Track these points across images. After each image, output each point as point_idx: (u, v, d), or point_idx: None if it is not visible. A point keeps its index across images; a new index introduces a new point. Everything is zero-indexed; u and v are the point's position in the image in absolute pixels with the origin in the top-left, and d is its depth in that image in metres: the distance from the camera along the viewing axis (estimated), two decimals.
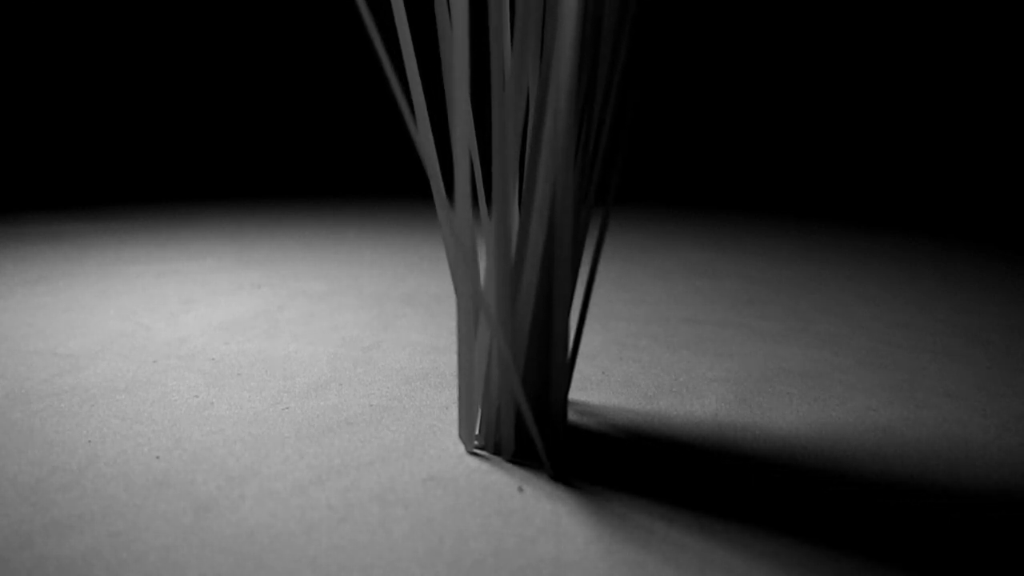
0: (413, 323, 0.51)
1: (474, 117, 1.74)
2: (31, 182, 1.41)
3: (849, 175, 1.62)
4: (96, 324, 0.49)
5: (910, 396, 0.39)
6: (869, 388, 0.40)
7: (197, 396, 0.37)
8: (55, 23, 1.46)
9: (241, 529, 0.25)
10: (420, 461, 0.30)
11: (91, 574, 0.22)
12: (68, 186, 1.41)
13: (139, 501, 0.26)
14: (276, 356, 0.43)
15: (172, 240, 0.85)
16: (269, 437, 0.32)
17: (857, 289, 0.66)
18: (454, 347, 0.46)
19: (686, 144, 1.74)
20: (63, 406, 0.35)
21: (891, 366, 0.44)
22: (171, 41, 1.61)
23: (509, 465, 0.30)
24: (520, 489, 0.28)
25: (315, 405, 0.36)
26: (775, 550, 0.24)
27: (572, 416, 0.35)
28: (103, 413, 0.34)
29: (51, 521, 0.25)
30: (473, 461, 0.30)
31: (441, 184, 0.28)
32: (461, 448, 0.31)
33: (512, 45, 0.27)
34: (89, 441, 0.31)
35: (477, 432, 0.32)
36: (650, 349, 0.46)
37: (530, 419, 0.29)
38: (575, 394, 0.38)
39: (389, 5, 1.74)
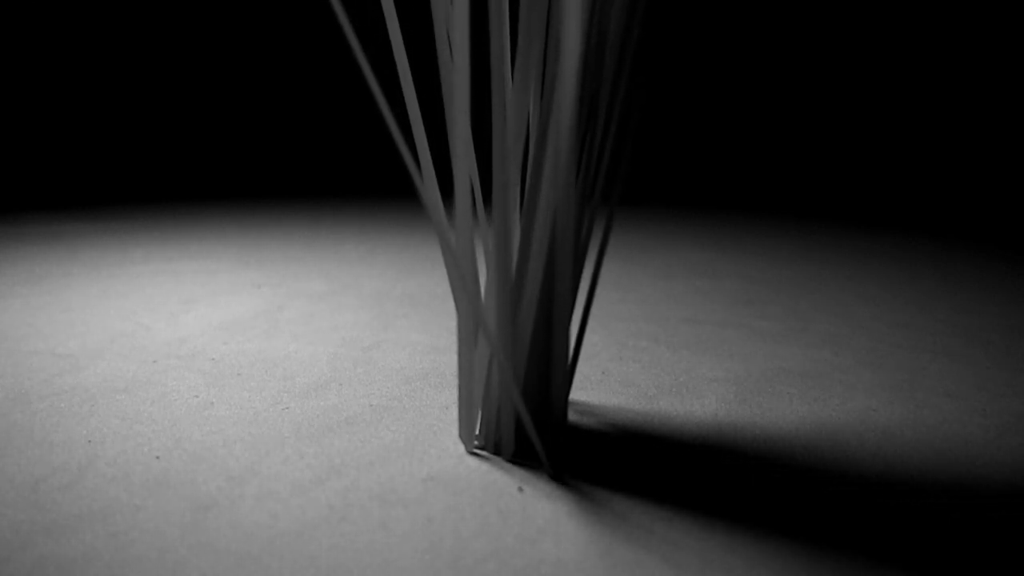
0: (413, 323, 0.51)
1: (476, 130, 1.74)
2: (31, 182, 1.41)
3: (849, 175, 1.62)
4: (96, 324, 0.49)
5: (910, 396, 0.39)
6: (869, 388, 0.40)
7: (197, 396, 0.37)
8: (55, 23, 1.46)
9: (241, 529, 0.25)
10: (420, 461, 0.30)
11: (91, 574, 0.22)
12: (68, 186, 1.41)
13: (139, 501, 0.26)
14: (276, 356, 0.43)
15: (172, 240, 0.85)
16: (269, 437, 0.32)
17: (857, 289, 0.66)
18: (454, 347, 0.46)
19: (686, 144, 1.74)
20: (63, 406, 0.35)
21: (891, 366, 0.44)
22: (171, 41, 1.61)
23: (509, 465, 0.30)
24: (520, 489, 0.28)
25: (315, 405, 0.36)
26: (775, 550, 0.24)
27: (572, 416, 0.35)
28: (103, 413, 0.34)
29: (51, 521, 0.25)
30: (473, 461, 0.30)
31: (444, 219, 0.28)
32: (461, 448, 0.31)
33: (513, 75, 0.27)
34: (89, 441, 0.31)
35: (477, 432, 0.32)
36: (650, 349, 0.46)
37: (531, 426, 0.29)
38: (575, 394, 0.38)
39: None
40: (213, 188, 1.46)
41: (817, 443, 0.33)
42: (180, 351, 0.44)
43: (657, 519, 0.26)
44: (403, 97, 1.81)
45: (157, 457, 0.30)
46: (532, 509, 0.26)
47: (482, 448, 0.31)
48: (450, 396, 0.37)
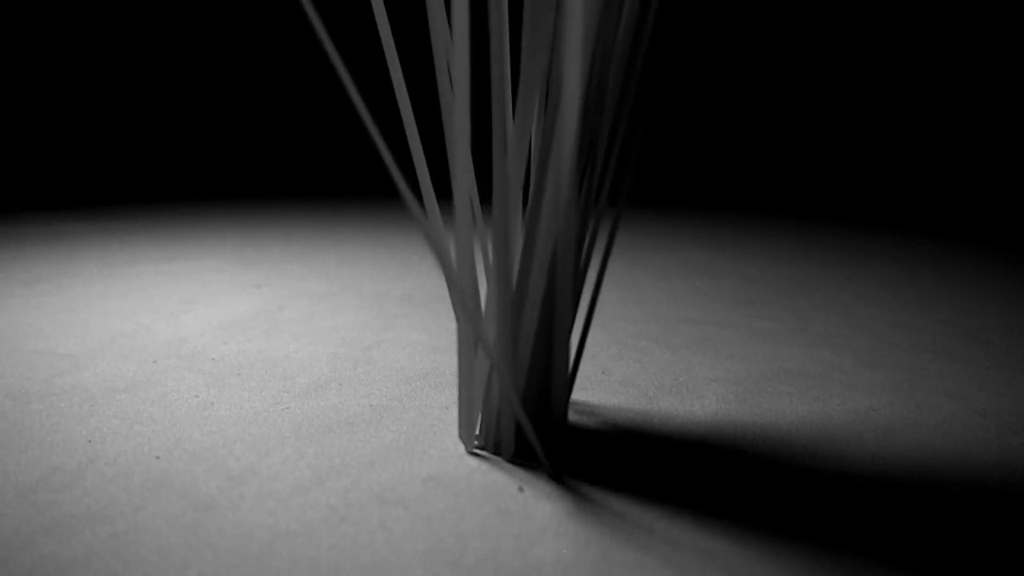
0: (413, 323, 0.51)
1: (476, 133, 1.74)
2: (31, 182, 1.41)
3: (849, 175, 1.62)
4: (96, 324, 0.49)
5: (910, 396, 0.39)
6: (869, 388, 0.40)
7: (197, 396, 0.37)
8: (55, 23, 1.46)
9: (241, 529, 0.25)
10: (420, 461, 0.30)
11: (91, 574, 0.22)
12: (68, 186, 1.41)
13: (139, 501, 0.26)
14: (276, 356, 0.43)
15: (172, 240, 0.85)
16: (269, 437, 0.32)
17: (857, 289, 0.66)
18: (454, 347, 0.46)
19: (687, 145, 1.74)
20: (63, 406, 0.35)
21: (891, 366, 0.44)
22: (171, 41, 1.61)
23: (509, 465, 0.30)
24: (520, 489, 0.28)
25: (315, 405, 0.36)
26: (775, 550, 0.24)
27: (572, 416, 0.35)
28: (103, 413, 0.34)
29: (51, 521, 0.25)
30: (473, 461, 0.30)
31: (443, 235, 0.28)
32: (461, 448, 0.31)
33: (515, 112, 0.27)
34: (89, 441, 0.31)
35: (477, 432, 0.32)
36: (650, 349, 0.46)
37: (531, 431, 0.29)
38: (575, 394, 0.38)
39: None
40: (213, 188, 1.46)
41: (817, 443, 0.33)
42: (180, 351, 0.44)
43: (657, 519, 0.26)
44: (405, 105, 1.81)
45: (157, 457, 0.30)
46: (532, 509, 0.26)
47: (482, 448, 0.31)
48: (450, 396, 0.37)
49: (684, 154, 1.74)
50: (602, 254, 0.31)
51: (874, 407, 0.37)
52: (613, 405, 0.37)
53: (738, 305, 0.59)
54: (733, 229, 1.04)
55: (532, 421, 0.31)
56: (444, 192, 1.42)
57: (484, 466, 0.30)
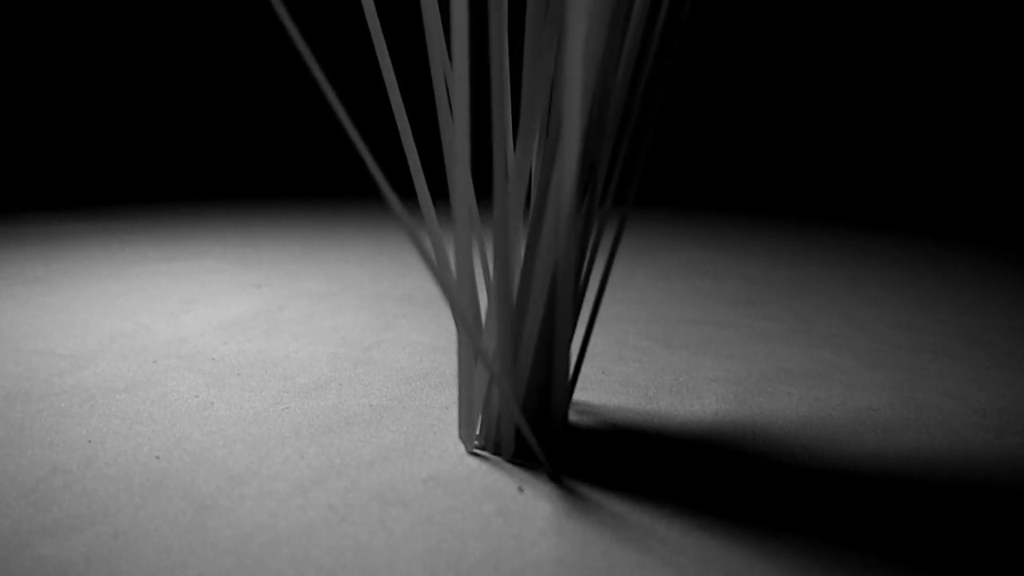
0: (413, 323, 0.51)
1: (475, 140, 1.74)
2: (31, 182, 1.41)
3: (851, 176, 1.62)
4: (96, 324, 0.49)
5: (910, 396, 0.39)
6: (869, 388, 0.40)
7: (197, 396, 0.37)
8: (55, 23, 1.46)
9: (241, 529, 0.25)
10: (420, 461, 0.30)
11: (91, 574, 0.22)
12: (68, 186, 1.41)
13: (139, 501, 0.26)
14: (276, 356, 0.43)
15: (172, 240, 0.85)
16: (269, 437, 0.32)
17: (858, 290, 0.66)
18: (454, 347, 0.46)
19: (688, 145, 1.74)
20: (63, 406, 0.35)
21: (891, 366, 0.44)
22: (171, 41, 1.61)
23: (509, 465, 0.30)
24: (520, 489, 0.28)
25: (315, 405, 0.36)
26: (775, 550, 0.24)
27: (572, 416, 0.35)
28: (103, 413, 0.34)
29: (51, 521, 0.25)
30: (473, 461, 0.30)
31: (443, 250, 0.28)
32: (461, 448, 0.31)
33: (516, 142, 0.28)
34: (89, 441, 0.31)
35: (477, 432, 0.32)
36: (650, 349, 0.46)
37: (531, 437, 0.29)
38: (575, 394, 0.38)
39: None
40: (213, 188, 1.46)
41: (817, 443, 0.33)
42: (180, 351, 0.44)
43: (657, 519, 0.26)
44: (412, 108, 1.80)
45: (157, 457, 0.30)
46: (532, 509, 0.26)
47: (482, 448, 0.31)
48: (450, 396, 0.37)
49: (685, 154, 1.74)
50: (605, 260, 0.31)
51: (874, 407, 0.37)
52: (613, 405, 0.37)
53: (739, 305, 0.59)
54: (734, 229, 1.04)
55: (532, 426, 0.31)
56: (441, 191, 1.42)
57: (484, 466, 0.30)
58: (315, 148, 1.80)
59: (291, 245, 0.83)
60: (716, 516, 0.26)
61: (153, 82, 1.61)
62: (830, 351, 0.46)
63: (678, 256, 0.81)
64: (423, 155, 1.78)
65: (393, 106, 0.30)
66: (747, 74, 1.68)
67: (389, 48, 1.75)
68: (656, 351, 0.46)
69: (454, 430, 0.33)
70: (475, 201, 0.32)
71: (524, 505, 0.27)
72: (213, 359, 0.42)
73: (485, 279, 0.32)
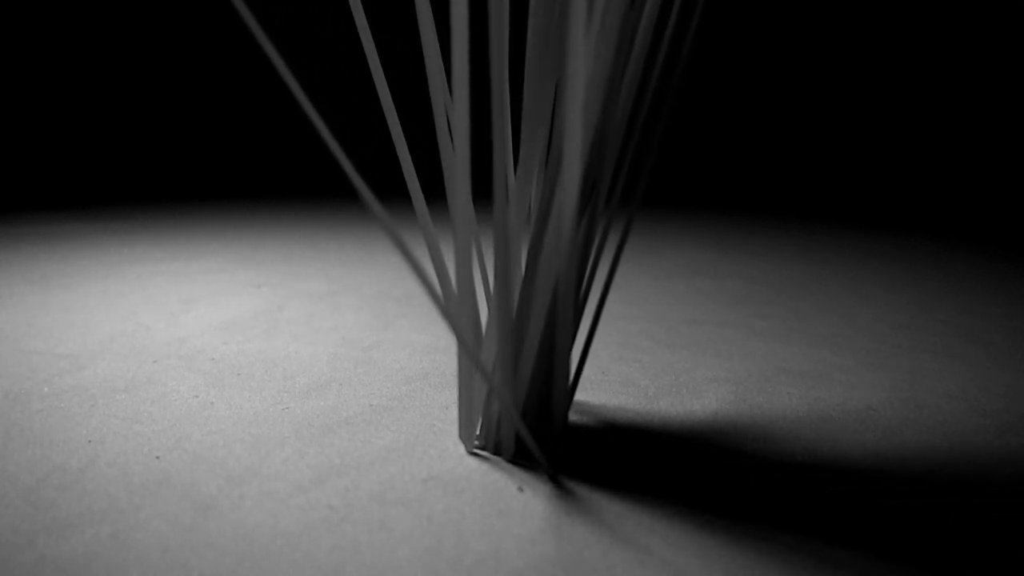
0: (413, 323, 0.51)
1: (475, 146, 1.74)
2: (31, 182, 1.41)
3: (851, 176, 1.62)
4: (96, 324, 0.49)
5: (910, 396, 0.39)
6: (869, 388, 0.40)
7: (197, 396, 0.37)
8: (55, 23, 1.46)
9: (241, 529, 0.25)
10: (420, 461, 0.30)
11: (91, 574, 0.22)
12: (68, 186, 1.41)
13: (139, 501, 0.26)
14: (276, 356, 0.43)
15: (172, 240, 0.85)
16: (269, 437, 0.32)
17: (858, 290, 0.66)
18: (454, 347, 0.46)
19: (688, 145, 1.74)
20: (63, 406, 0.35)
21: (891, 366, 0.44)
22: (171, 41, 1.61)
23: (509, 465, 0.30)
24: (520, 489, 0.28)
25: (315, 405, 0.36)
26: (775, 550, 0.24)
27: (572, 416, 0.35)
28: (103, 413, 0.34)
29: (51, 521, 0.25)
30: (473, 461, 0.30)
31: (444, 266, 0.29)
32: (461, 448, 0.31)
33: (517, 170, 0.28)
34: (89, 441, 0.31)
35: (477, 432, 0.32)
36: (650, 349, 0.46)
37: (531, 441, 0.29)
38: (575, 394, 0.38)
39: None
40: (213, 188, 1.46)
41: (817, 443, 0.33)
42: (180, 351, 0.44)
43: (657, 518, 0.26)
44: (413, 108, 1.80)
45: (157, 457, 0.30)
46: (532, 509, 0.26)
47: (482, 448, 0.31)
48: (450, 396, 0.37)
49: (686, 155, 1.74)
50: (608, 264, 0.31)
51: (874, 407, 0.37)
52: (613, 405, 0.37)
53: (739, 305, 0.59)
54: (734, 229, 1.04)
55: (532, 429, 0.31)
56: (437, 189, 1.42)
57: (484, 466, 0.30)
58: (315, 148, 1.80)
59: (291, 245, 0.83)
60: (716, 516, 0.26)
61: (153, 82, 1.61)
62: (830, 351, 0.46)
63: (678, 256, 0.81)
64: (424, 153, 1.78)
65: (384, 108, 0.30)
66: (748, 75, 1.68)
67: (392, 46, 1.75)
68: (656, 351, 0.46)
69: (454, 430, 0.33)
70: (476, 225, 0.32)
71: (524, 505, 0.27)
72: (213, 359, 0.42)
73: (485, 291, 0.32)
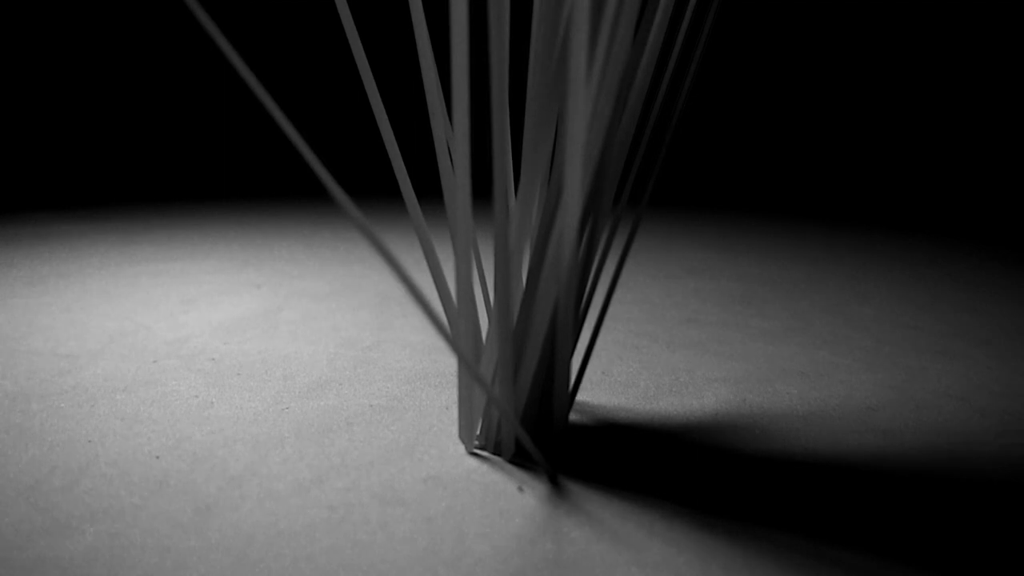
0: (413, 323, 0.51)
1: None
2: (31, 182, 1.41)
3: (851, 176, 1.62)
4: (96, 324, 0.49)
5: (910, 396, 0.39)
6: (869, 388, 0.40)
7: (197, 396, 0.37)
8: (55, 23, 1.46)
9: (241, 529, 0.25)
10: (420, 461, 0.30)
11: (91, 574, 0.22)
12: (68, 186, 1.41)
13: (139, 501, 0.26)
14: (276, 356, 0.43)
15: (172, 240, 0.85)
16: (269, 437, 0.32)
17: (857, 289, 0.66)
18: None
19: (688, 145, 1.74)
20: (63, 406, 0.35)
21: (891, 366, 0.44)
22: (171, 41, 1.61)
23: (509, 466, 0.30)
24: (520, 489, 0.28)
25: (315, 405, 0.36)
26: (775, 550, 0.24)
27: (572, 416, 0.35)
28: (103, 413, 0.34)
29: (51, 521, 0.25)
30: (473, 461, 0.30)
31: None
32: (461, 448, 0.31)
33: (518, 192, 0.28)
34: (89, 441, 0.31)
35: (477, 432, 0.32)
36: (650, 349, 0.46)
37: (531, 446, 0.29)
38: None
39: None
40: (213, 188, 1.46)
41: (817, 443, 0.33)
42: (180, 351, 0.44)
43: (657, 518, 0.26)
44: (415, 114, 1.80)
45: (157, 457, 0.30)
46: (532, 509, 0.26)
47: (482, 448, 0.31)
48: (450, 396, 0.37)
49: (686, 155, 1.74)
50: (610, 270, 0.31)
51: (874, 407, 0.37)
52: (613, 405, 0.37)
53: (738, 305, 0.59)
54: (734, 229, 1.04)
55: (532, 431, 0.31)
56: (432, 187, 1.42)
57: (484, 466, 0.30)
58: (316, 148, 1.80)
59: (291, 245, 0.83)
60: (716, 516, 0.26)
61: (153, 82, 1.61)
62: (829, 351, 0.46)
63: (678, 256, 0.81)
64: (423, 150, 1.78)
65: (375, 112, 0.30)
66: (748, 75, 1.68)
67: (394, 45, 1.75)
68: (656, 351, 0.46)
69: (454, 430, 0.33)
70: (478, 245, 0.32)
71: (524, 505, 0.27)
72: (213, 359, 0.42)
73: (484, 301, 0.32)
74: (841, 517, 0.26)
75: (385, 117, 0.31)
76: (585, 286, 0.32)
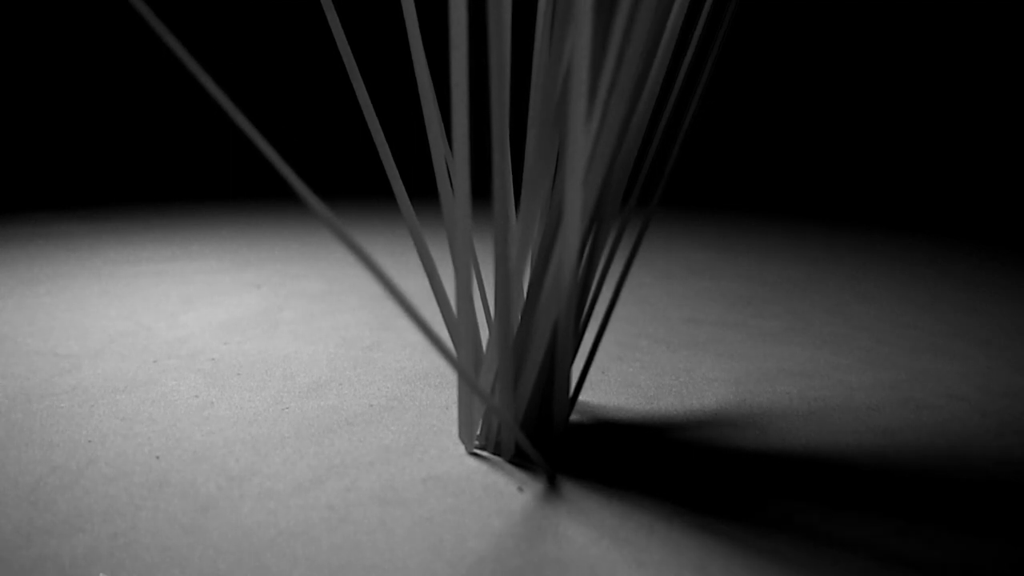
0: (413, 323, 0.51)
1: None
2: (31, 182, 1.41)
3: (851, 176, 1.62)
4: (96, 324, 0.49)
5: (910, 396, 0.39)
6: (869, 388, 0.40)
7: (197, 396, 0.37)
8: (55, 23, 1.46)
9: (241, 529, 0.25)
10: (420, 461, 0.30)
11: (91, 574, 0.22)
12: (68, 186, 1.41)
13: (139, 501, 0.26)
14: (276, 356, 0.43)
15: (172, 240, 0.85)
16: (269, 437, 0.32)
17: (857, 289, 0.66)
18: (454, 348, 0.46)
19: (688, 145, 1.74)
20: (63, 406, 0.35)
21: (891, 366, 0.44)
22: (171, 41, 1.61)
23: (509, 466, 0.30)
24: (520, 489, 0.28)
25: (315, 405, 0.36)
26: (774, 549, 0.24)
27: (572, 416, 0.35)
28: (103, 413, 0.34)
29: (51, 521, 0.25)
30: (473, 461, 0.30)
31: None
32: (461, 448, 0.31)
33: (519, 213, 0.28)
34: (89, 441, 0.31)
35: (477, 433, 0.32)
36: (650, 349, 0.46)
37: (532, 451, 0.29)
38: None
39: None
40: (213, 188, 1.46)
41: (817, 443, 0.33)
42: (180, 351, 0.44)
43: (657, 519, 0.26)
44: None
45: (157, 457, 0.30)
46: (532, 509, 0.26)
47: (482, 448, 0.31)
48: (450, 396, 0.37)
49: (686, 155, 1.74)
50: (610, 273, 0.31)
51: (874, 407, 0.37)
52: (613, 405, 0.37)
53: (738, 305, 0.59)
54: (734, 229, 1.04)
55: (532, 434, 0.31)
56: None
57: (484, 466, 0.30)
58: (315, 148, 1.80)
59: (291, 245, 0.83)
60: (716, 516, 0.26)
61: (153, 82, 1.61)
62: (829, 351, 0.46)
63: (678, 256, 0.81)
64: (423, 150, 1.78)
65: (364, 113, 0.30)
66: (749, 76, 1.68)
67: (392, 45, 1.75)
68: (657, 351, 0.46)
69: (454, 430, 0.33)
70: (477, 259, 0.32)
71: (524, 505, 0.27)
72: (213, 359, 0.42)
73: (484, 311, 0.32)
74: (841, 517, 0.26)
75: (375, 119, 0.31)
76: (586, 301, 0.32)
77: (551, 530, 0.25)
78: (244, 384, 0.38)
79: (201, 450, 0.31)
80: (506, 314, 0.27)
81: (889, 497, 0.28)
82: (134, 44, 1.57)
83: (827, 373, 0.42)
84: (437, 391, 0.38)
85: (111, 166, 1.56)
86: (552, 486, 0.28)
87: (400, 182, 0.31)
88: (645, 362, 0.44)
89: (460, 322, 0.28)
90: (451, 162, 0.32)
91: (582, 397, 0.38)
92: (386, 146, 0.31)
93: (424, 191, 1.53)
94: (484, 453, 0.31)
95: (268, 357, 0.43)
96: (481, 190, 1.59)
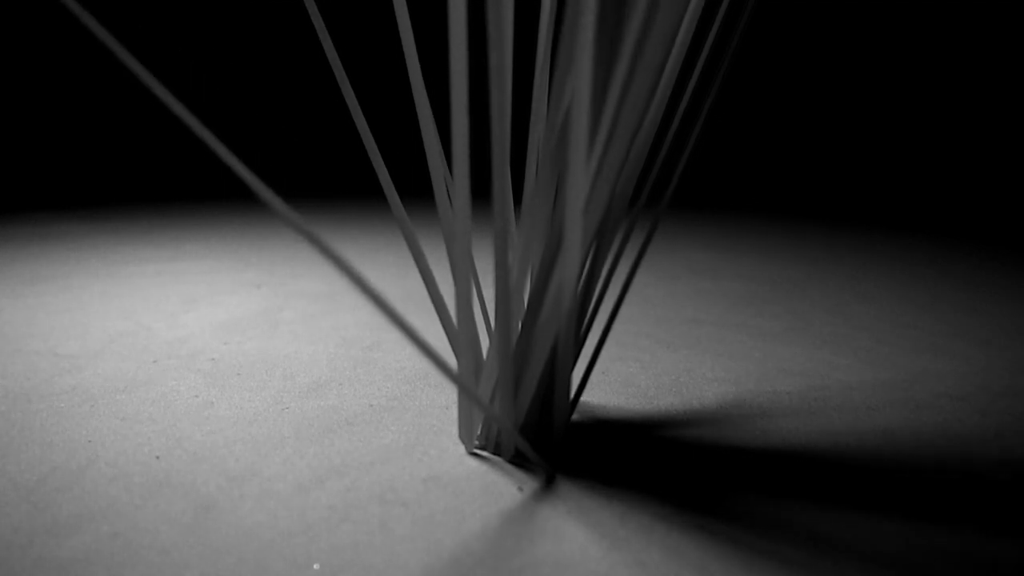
0: (413, 323, 0.51)
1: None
2: (31, 182, 1.41)
3: (851, 176, 1.62)
4: (96, 324, 0.49)
5: (910, 396, 0.39)
6: (869, 388, 0.40)
7: (197, 396, 0.37)
8: (55, 23, 1.46)
9: (241, 529, 0.25)
10: (420, 461, 0.30)
11: (91, 574, 0.22)
12: (68, 186, 1.41)
13: (139, 501, 0.26)
14: (276, 356, 0.43)
15: (172, 240, 0.85)
16: (269, 437, 0.32)
17: (857, 289, 0.66)
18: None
19: (688, 145, 1.74)
20: (63, 406, 0.35)
21: (891, 366, 0.44)
22: (172, 41, 1.61)
23: (509, 466, 0.30)
24: (520, 489, 0.28)
25: (315, 405, 0.36)
26: (774, 549, 0.24)
27: (572, 416, 0.35)
28: (103, 413, 0.34)
29: (51, 521, 0.25)
30: (473, 461, 0.30)
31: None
32: (461, 448, 0.31)
33: (520, 232, 0.28)
34: (89, 441, 0.31)
35: (477, 433, 0.32)
36: (650, 349, 0.46)
37: (532, 454, 0.29)
38: None
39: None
40: (213, 188, 1.46)
41: (817, 443, 0.33)
42: (180, 351, 0.44)
43: (657, 519, 0.26)
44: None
45: (157, 457, 0.30)
46: (532, 509, 0.26)
47: (482, 449, 0.31)
48: (450, 396, 0.37)
49: (688, 157, 1.74)
50: (610, 274, 0.32)
51: (874, 407, 0.37)
52: (613, 405, 0.37)
53: (738, 305, 0.59)
54: (734, 229, 1.04)
55: (532, 436, 0.31)
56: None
57: (484, 466, 0.30)
58: (315, 148, 1.80)
59: (291, 245, 0.83)
60: (716, 516, 0.26)
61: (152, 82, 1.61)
62: (829, 351, 0.46)
63: (678, 256, 0.81)
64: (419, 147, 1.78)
65: (354, 117, 0.30)
66: (749, 76, 1.68)
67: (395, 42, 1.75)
68: (657, 351, 0.46)
69: (454, 430, 0.33)
70: (476, 271, 0.32)
71: (524, 505, 0.27)
72: (213, 359, 0.42)
73: (484, 320, 0.32)
74: (841, 517, 0.26)
75: (365, 124, 0.31)
76: (586, 313, 0.32)
77: (551, 530, 0.25)
78: (244, 384, 0.38)
79: (201, 450, 0.31)
80: (506, 325, 0.27)
81: (889, 497, 0.28)
82: (134, 44, 1.57)
83: (827, 373, 0.42)
84: (437, 391, 0.38)
85: (111, 166, 1.55)
86: (552, 486, 0.28)
87: (395, 192, 0.31)
88: (645, 362, 0.44)
89: (460, 332, 0.28)
90: (450, 183, 0.32)
91: (583, 397, 0.38)
92: (378, 153, 0.31)
93: (426, 190, 1.53)
94: (484, 453, 0.31)
95: (268, 357, 0.43)
96: (481, 190, 1.59)
